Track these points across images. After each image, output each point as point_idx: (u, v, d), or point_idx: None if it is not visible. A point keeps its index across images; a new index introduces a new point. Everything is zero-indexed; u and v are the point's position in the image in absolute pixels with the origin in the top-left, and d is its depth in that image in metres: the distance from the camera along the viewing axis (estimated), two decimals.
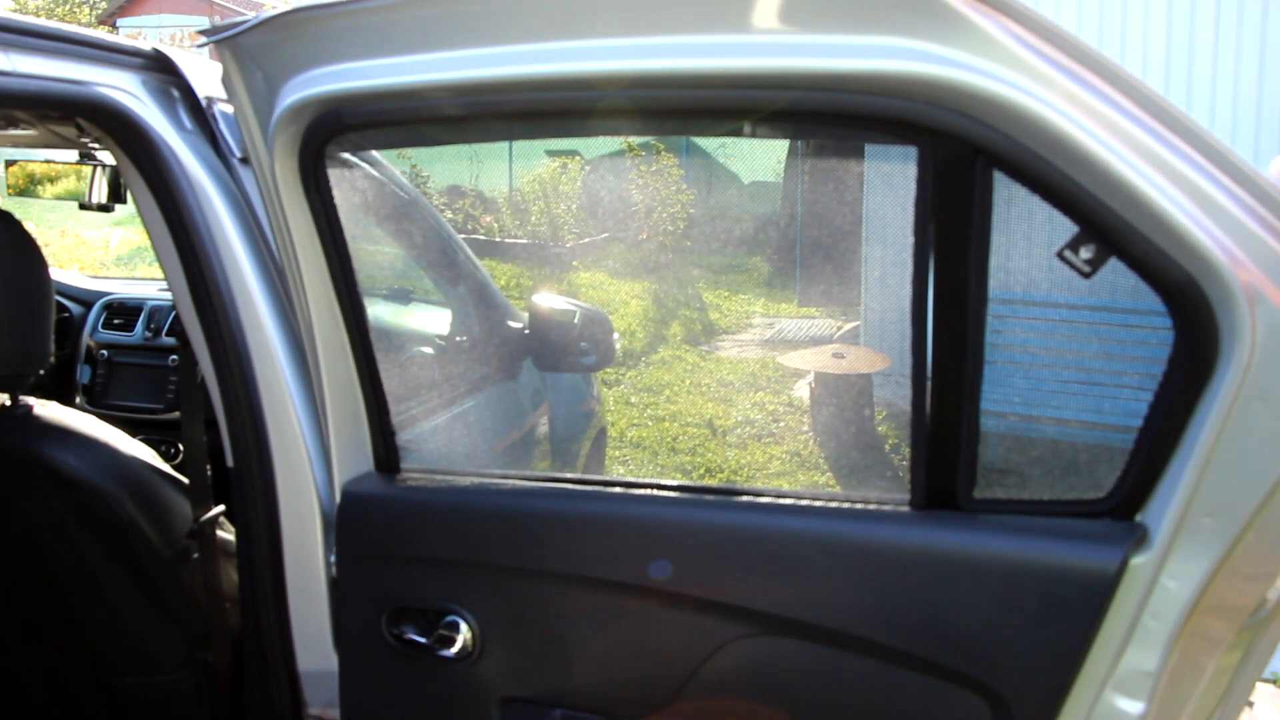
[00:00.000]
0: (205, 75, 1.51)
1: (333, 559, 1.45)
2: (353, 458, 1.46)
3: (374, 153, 1.76)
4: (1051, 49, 0.99)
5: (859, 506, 1.24)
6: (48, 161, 2.35)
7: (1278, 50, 5.81)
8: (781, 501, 1.27)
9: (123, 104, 1.37)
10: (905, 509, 1.21)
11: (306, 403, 1.44)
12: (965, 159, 1.04)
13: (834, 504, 1.25)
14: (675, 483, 1.34)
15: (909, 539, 1.19)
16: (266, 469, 1.44)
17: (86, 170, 2.22)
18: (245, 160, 1.46)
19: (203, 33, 1.27)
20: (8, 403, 1.62)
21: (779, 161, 10.84)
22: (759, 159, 11.53)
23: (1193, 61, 5.92)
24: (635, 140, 9.72)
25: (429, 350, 2.28)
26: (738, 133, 1.22)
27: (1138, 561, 1.08)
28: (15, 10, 17.14)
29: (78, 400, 2.82)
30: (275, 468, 1.44)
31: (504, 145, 10.33)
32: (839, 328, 7.63)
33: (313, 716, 1.54)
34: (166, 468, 1.70)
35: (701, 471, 5.21)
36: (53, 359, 1.57)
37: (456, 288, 2.45)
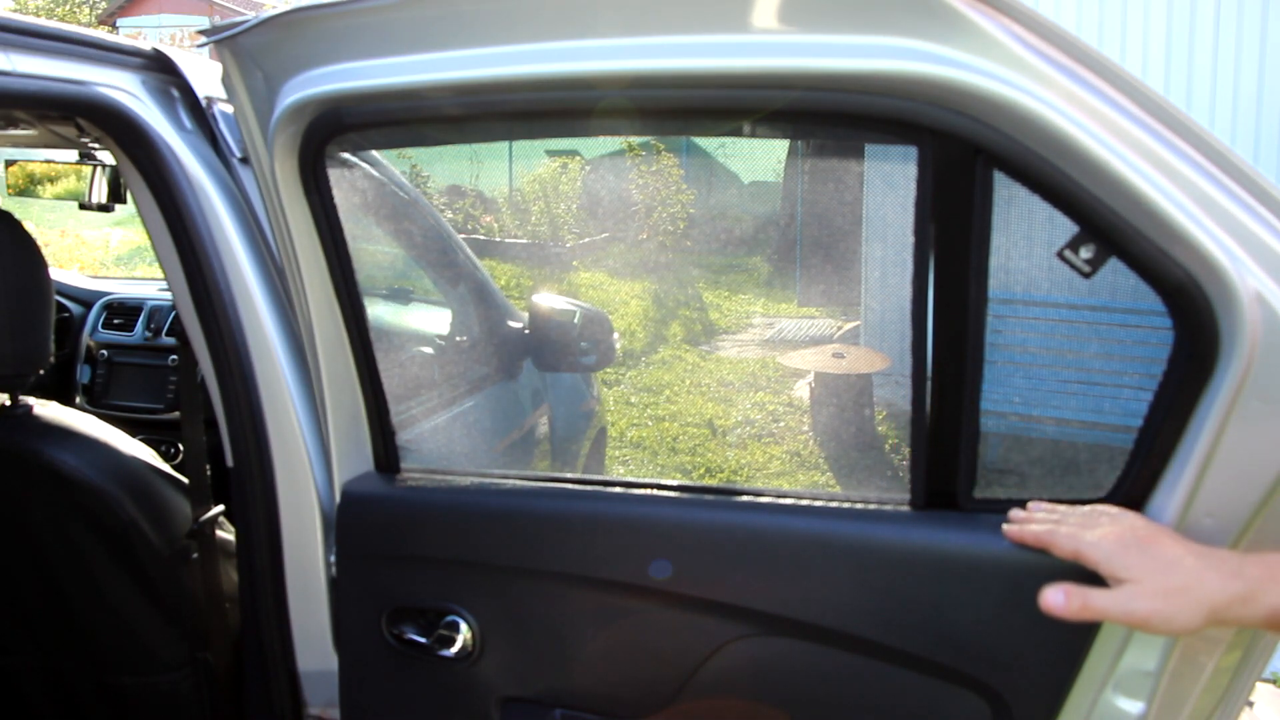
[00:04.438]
0: (205, 75, 1.51)
1: (333, 559, 1.45)
2: (353, 458, 1.46)
3: (374, 153, 1.76)
4: (1051, 49, 0.99)
5: (859, 506, 1.24)
6: (48, 161, 2.35)
7: (1278, 50, 5.82)
8: (781, 501, 1.27)
9: (123, 104, 1.37)
10: (905, 509, 1.21)
11: (306, 403, 1.44)
12: (965, 159, 1.04)
13: (834, 504, 1.25)
14: (675, 483, 1.34)
15: (909, 539, 1.19)
16: (266, 469, 1.44)
17: (86, 170, 2.22)
18: (245, 160, 1.46)
19: (203, 33, 1.27)
20: (8, 403, 1.62)
21: (779, 161, 10.85)
22: (759, 159, 11.54)
23: (1193, 61, 5.92)
24: (635, 140, 9.73)
25: (429, 350, 2.28)
26: (738, 133, 1.22)
27: None
28: (15, 10, 17.14)
29: (78, 400, 2.82)
30: (275, 468, 1.44)
31: (504, 145, 10.34)
32: (839, 328, 7.64)
33: (313, 716, 1.54)
34: (166, 468, 1.70)
35: (701, 471, 5.21)
36: (53, 359, 1.57)
37: (456, 288, 2.45)
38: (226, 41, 1.24)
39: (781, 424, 5.86)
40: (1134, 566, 0.96)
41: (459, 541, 1.38)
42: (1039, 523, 1.08)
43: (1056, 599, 0.99)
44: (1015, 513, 1.12)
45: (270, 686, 1.52)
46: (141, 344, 2.80)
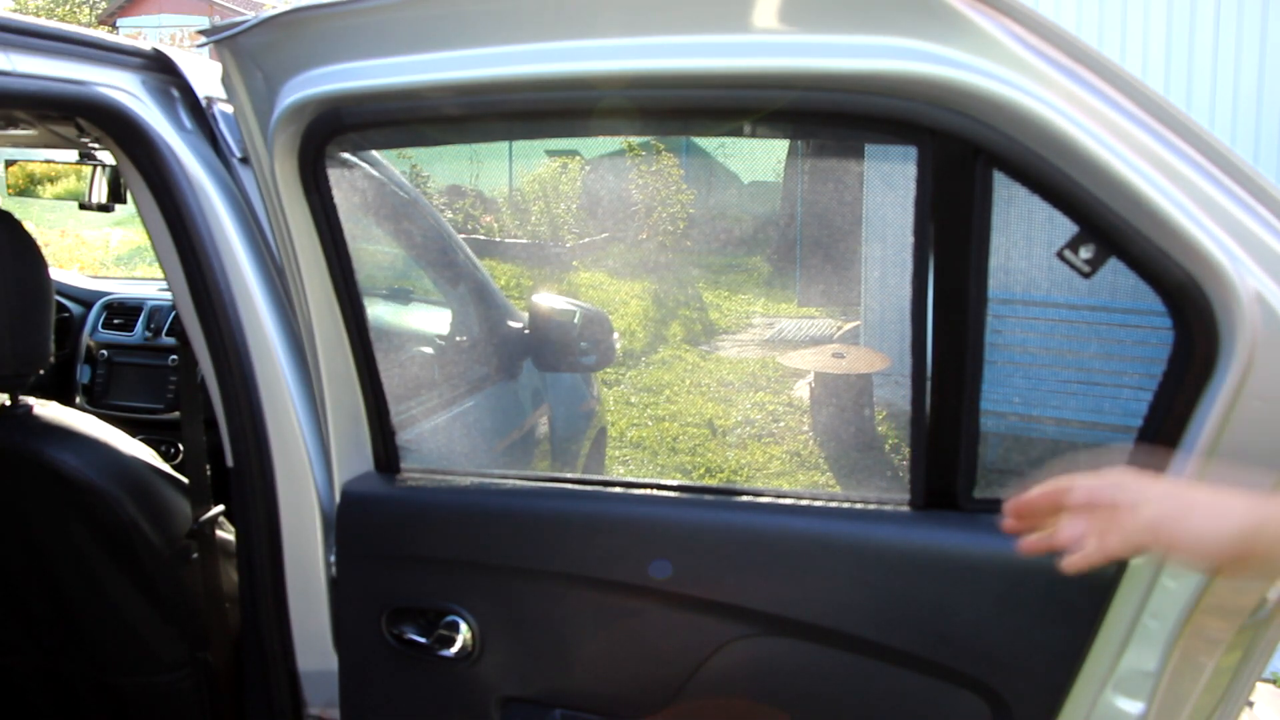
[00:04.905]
0: (205, 75, 1.51)
1: (333, 559, 1.45)
2: (353, 458, 1.46)
3: (374, 153, 1.76)
4: (1051, 49, 0.99)
5: (859, 506, 1.24)
6: (48, 161, 2.35)
7: (1278, 50, 5.81)
8: (781, 501, 1.27)
9: (123, 104, 1.37)
10: (905, 509, 1.22)
11: (306, 403, 1.44)
12: (965, 159, 1.04)
13: (834, 504, 1.25)
14: (675, 483, 1.34)
15: (909, 539, 1.19)
16: (266, 469, 1.44)
17: (86, 170, 2.22)
18: (245, 160, 1.46)
19: (203, 33, 1.27)
20: (8, 403, 1.62)
21: (779, 161, 10.84)
22: (759, 159, 11.53)
23: (1193, 61, 5.92)
24: (635, 140, 9.72)
25: (429, 350, 2.28)
26: (738, 133, 1.22)
27: (1138, 562, 1.08)
28: (15, 10, 17.14)
29: (78, 400, 2.82)
30: (275, 468, 1.44)
31: (504, 145, 10.33)
32: (839, 328, 7.63)
33: (313, 716, 1.54)
34: (166, 468, 1.70)
35: (701, 471, 5.21)
36: (53, 359, 1.57)
37: (456, 288, 2.45)
38: (226, 41, 1.24)
39: (781, 424, 5.86)
40: (1151, 489, 0.90)
41: (459, 541, 1.38)
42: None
43: (1073, 555, 0.92)
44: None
45: (270, 686, 1.52)
46: (141, 344, 2.80)
